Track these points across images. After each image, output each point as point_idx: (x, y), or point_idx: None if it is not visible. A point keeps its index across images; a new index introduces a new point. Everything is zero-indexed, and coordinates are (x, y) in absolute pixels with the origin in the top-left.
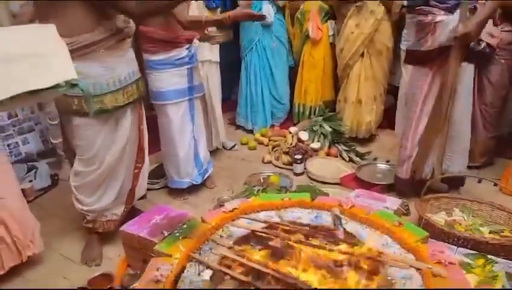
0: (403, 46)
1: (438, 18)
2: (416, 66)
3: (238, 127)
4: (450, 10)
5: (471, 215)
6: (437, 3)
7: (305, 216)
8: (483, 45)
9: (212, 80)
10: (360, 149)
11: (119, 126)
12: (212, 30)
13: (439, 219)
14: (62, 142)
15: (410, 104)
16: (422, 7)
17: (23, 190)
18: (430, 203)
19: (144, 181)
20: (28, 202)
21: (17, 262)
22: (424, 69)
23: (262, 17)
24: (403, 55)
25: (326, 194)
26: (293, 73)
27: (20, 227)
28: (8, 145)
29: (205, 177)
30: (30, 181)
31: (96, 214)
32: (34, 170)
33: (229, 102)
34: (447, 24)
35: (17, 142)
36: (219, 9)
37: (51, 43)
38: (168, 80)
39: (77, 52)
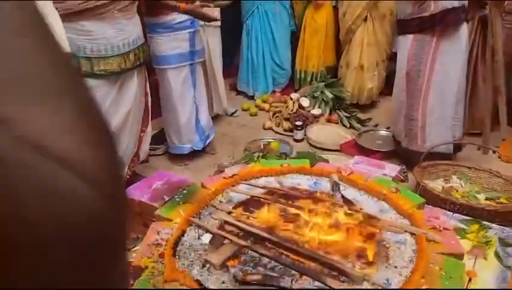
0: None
1: None
2: (417, 35)
3: (239, 92)
4: None
5: (468, 182)
6: None
7: (304, 182)
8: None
9: (213, 44)
10: (361, 116)
11: (126, 89)
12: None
13: (437, 185)
14: None
15: (415, 76)
16: None
17: None
18: (428, 170)
19: (146, 145)
20: None
21: None
22: (427, 36)
23: (214, 20)
24: None
25: (326, 161)
26: (295, 38)
27: None
28: None
29: (207, 143)
30: None
31: None
32: None
33: (231, 68)
34: None
35: None
36: None
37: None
38: (169, 43)
39: (91, 12)
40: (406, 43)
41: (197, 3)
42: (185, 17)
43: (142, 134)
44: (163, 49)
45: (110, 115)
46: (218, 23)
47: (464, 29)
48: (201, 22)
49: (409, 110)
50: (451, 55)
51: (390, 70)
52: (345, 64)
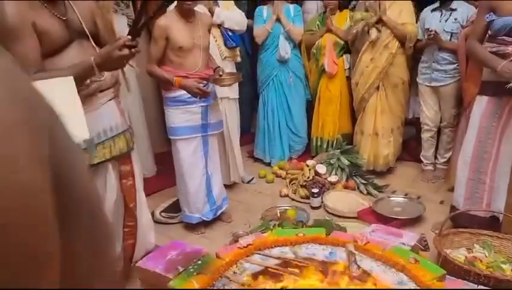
0: (419, 79)
1: None
2: (492, 98)
3: (256, 160)
4: None
5: (492, 251)
6: None
7: (319, 252)
8: None
9: (230, 116)
10: (378, 182)
11: (108, 181)
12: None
13: (459, 255)
14: None
15: (485, 138)
16: (504, 37)
17: None
18: (450, 239)
19: (146, 237)
20: None
21: None
22: (502, 101)
23: (206, 95)
24: (421, 88)
25: (344, 229)
26: (310, 106)
27: None
28: None
29: (217, 214)
30: None
31: None
32: None
33: (248, 135)
34: None
35: None
36: (238, 49)
37: (69, 101)
38: (180, 116)
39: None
40: (481, 104)
41: (191, 79)
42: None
43: (126, 229)
44: (174, 120)
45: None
46: (236, 95)
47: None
48: (220, 94)
49: (477, 172)
50: None
51: (408, 136)
52: (359, 132)
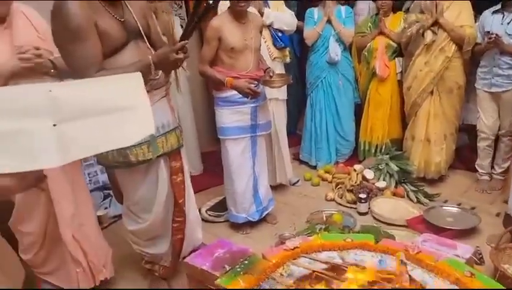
0: (478, 85)
1: None
2: None
3: (302, 162)
4: None
5: None
6: None
7: (368, 259)
8: None
9: (278, 117)
10: (429, 190)
11: (160, 177)
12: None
13: None
14: (110, 183)
15: None
16: None
17: (98, 217)
18: (508, 253)
19: (194, 233)
20: (103, 228)
21: (91, 286)
22: None
23: (257, 95)
24: (480, 94)
25: (392, 236)
26: (359, 110)
27: (95, 252)
28: (89, 174)
29: (263, 214)
30: (105, 208)
31: (153, 257)
32: (110, 198)
33: (293, 137)
34: None
35: (96, 171)
36: (288, 50)
37: (136, 95)
38: (230, 116)
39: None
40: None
41: (243, 80)
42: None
43: (174, 225)
44: (223, 121)
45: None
46: (285, 96)
47: None
48: (269, 96)
49: None
50: None
51: (461, 143)
52: (410, 137)
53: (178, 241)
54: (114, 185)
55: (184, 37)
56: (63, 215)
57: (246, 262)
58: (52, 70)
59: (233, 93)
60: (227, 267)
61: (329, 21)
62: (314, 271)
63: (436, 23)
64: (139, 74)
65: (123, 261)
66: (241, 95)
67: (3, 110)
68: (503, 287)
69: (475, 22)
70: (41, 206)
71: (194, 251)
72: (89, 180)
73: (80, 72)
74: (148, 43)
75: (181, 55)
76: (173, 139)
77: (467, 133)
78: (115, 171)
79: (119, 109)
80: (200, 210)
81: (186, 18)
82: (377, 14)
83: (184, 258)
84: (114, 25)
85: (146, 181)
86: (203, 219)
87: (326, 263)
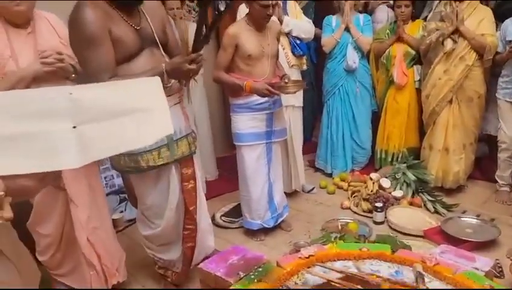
0: (499, 94)
1: None
2: None
3: (317, 169)
4: None
5: None
6: None
7: (384, 270)
8: None
9: (294, 124)
10: (447, 200)
11: (171, 183)
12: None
13: None
14: (125, 187)
15: None
16: None
17: (114, 220)
18: None
19: (206, 241)
20: (117, 231)
21: (103, 288)
22: None
23: (275, 94)
24: (501, 104)
25: (409, 247)
26: (375, 118)
27: (109, 256)
28: (105, 178)
29: (278, 221)
30: (121, 212)
31: (166, 263)
32: (125, 202)
33: (309, 144)
34: None
35: (112, 175)
36: (305, 57)
37: (154, 97)
38: (246, 122)
39: None
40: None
41: (261, 82)
42: (265, 98)
43: (185, 232)
44: (239, 127)
45: (160, 209)
46: (301, 103)
47: None
48: (285, 102)
49: None
50: None
51: (480, 153)
52: (428, 146)
53: (189, 248)
54: (129, 190)
55: (196, 47)
56: (78, 217)
57: (260, 269)
58: (74, 75)
59: (249, 99)
60: (241, 274)
61: (347, 28)
62: (329, 280)
63: (456, 31)
64: (158, 78)
65: (137, 265)
66: (258, 102)
67: (25, 112)
68: None
69: (496, 30)
70: (59, 207)
71: (206, 258)
72: (105, 183)
73: (93, 78)
74: (162, 51)
75: (194, 66)
76: (184, 146)
77: (487, 143)
78: (129, 176)
79: (138, 111)
80: (214, 216)
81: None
82: (395, 22)
83: (196, 265)
84: (129, 33)
85: (157, 187)
86: (217, 225)
87: (341, 272)
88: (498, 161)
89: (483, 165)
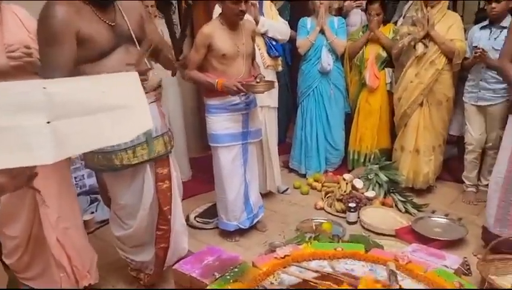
0: (465, 98)
1: None
2: None
3: (291, 170)
4: None
5: None
6: None
7: (358, 269)
8: None
9: (269, 125)
10: (417, 201)
11: (145, 183)
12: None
13: (505, 282)
14: (98, 186)
15: None
16: None
17: (85, 222)
18: (495, 265)
19: (179, 243)
20: (89, 233)
21: None
22: None
23: (243, 92)
24: (467, 107)
25: (381, 247)
26: (348, 119)
27: (80, 257)
28: (75, 178)
29: (254, 222)
30: (92, 213)
31: (139, 265)
32: (97, 203)
33: (283, 145)
34: None
35: (83, 175)
36: (280, 58)
37: (133, 93)
38: (221, 123)
39: None
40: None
41: (232, 80)
42: (241, 99)
43: (158, 232)
44: (215, 128)
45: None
46: (276, 104)
47: None
48: (260, 103)
49: (508, 194)
50: None
51: (448, 155)
52: (399, 148)
53: (162, 249)
54: (102, 189)
55: (177, 46)
56: (48, 218)
57: (236, 270)
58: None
59: (224, 100)
60: (217, 275)
61: (322, 31)
62: (304, 280)
63: (427, 35)
64: (135, 73)
65: (109, 267)
66: (233, 102)
67: None
68: None
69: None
70: (27, 207)
71: (179, 260)
72: (76, 183)
73: (46, 75)
74: (139, 48)
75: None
76: (160, 146)
77: (457, 145)
78: (103, 175)
79: (116, 107)
80: (188, 217)
81: (179, 23)
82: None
83: (169, 267)
84: (102, 30)
85: (132, 186)
86: (191, 226)
87: (316, 271)
88: (465, 162)
89: (451, 166)
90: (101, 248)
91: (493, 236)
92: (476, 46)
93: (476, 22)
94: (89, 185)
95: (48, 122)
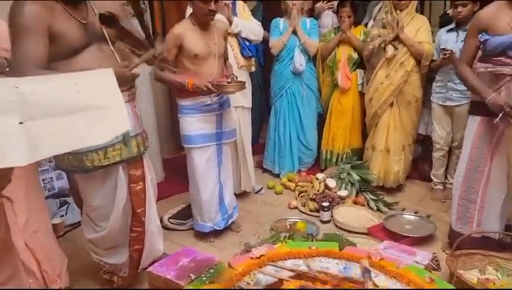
0: (433, 98)
1: None
2: (484, 118)
3: (265, 170)
4: None
5: (505, 274)
6: None
7: (333, 267)
8: None
9: (244, 125)
10: (388, 199)
11: (118, 184)
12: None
13: (471, 276)
14: (70, 188)
15: (477, 157)
16: (501, 58)
17: (54, 225)
18: (462, 260)
19: (154, 244)
20: (58, 237)
21: None
22: (493, 120)
23: (213, 92)
24: (434, 107)
25: (354, 244)
26: (320, 120)
27: (50, 262)
28: (43, 180)
29: (229, 223)
30: (61, 216)
31: (112, 267)
32: (66, 205)
33: (256, 145)
34: None
35: (51, 177)
36: (254, 59)
37: (109, 93)
38: (194, 124)
39: None
40: (474, 125)
41: (203, 80)
42: (214, 99)
43: (133, 234)
44: (188, 129)
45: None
46: (250, 104)
47: None
48: (235, 103)
49: (468, 192)
50: None
51: (417, 155)
52: (370, 147)
53: (136, 251)
54: (74, 190)
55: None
56: (15, 221)
57: (212, 271)
58: (8, 69)
59: (197, 100)
60: (193, 276)
61: (294, 32)
62: (280, 279)
63: (397, 38)
64: (111, 70)
65: (81, 271)
66: (206, 103)
67: None
68: None
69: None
70: None
71: (154, 262)
72: (44, 186)
73: (18, 71)
74: (112, 47)
75: (137, 71)
76: (133, 147)
77: (421, 144)
78: (75, 176)
79: (93, 107)
80: (162, 218)
81: (150, 22)
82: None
83: (144, 269)
84: (73, 27)
85: (104, 188)
86: (165, 227)
87: (292, 270)
88: (433, 159)
89: (418, 165)
90: (72, 252)
91: (455, 233)
92: (443, 49)
93: (441, 25)
94: (58, 187)
95: (21, 123)
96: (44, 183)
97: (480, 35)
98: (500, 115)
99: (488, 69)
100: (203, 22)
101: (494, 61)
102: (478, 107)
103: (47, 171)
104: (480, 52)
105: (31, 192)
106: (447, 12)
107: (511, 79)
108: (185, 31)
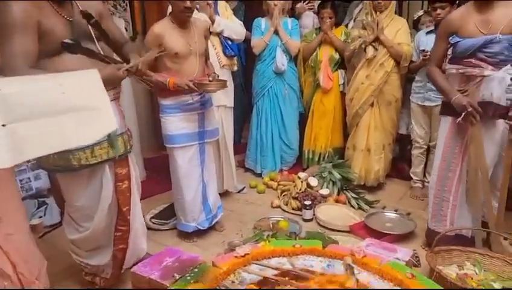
0: (413, 98)
1: (486, 72)
2: (456, 118)
3: (247, 169)
4: (498, 66)
5: (483, 269)
6: (485, 58)
7: (317, 264)
8: None
9: (226, 124)
10: (369, 197)
11: (104, 183)
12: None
13: (450, 271)
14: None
15: (449, 157)
16: (471, 60)
17: (32, 226)
18: (441, 256)
19: (138, 243)
20: (39, 237)
21: None
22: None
23: (194, 90)
24: (413, 107)
25: (336, 242)
26: (303, 119)
27: (26, 264)
28: (21, 181)
29: (213, 222)
30: (40, 217)
31: (94, 269)
32: (45, 206)
33: (238, 144)
34: (493, 79)
35: (29, 178)
36: (236, 58)
37: (95, 93)
38: (176, 123)
39: None
40: (446, 125)
41: (184, 79)
42: (195, 98)
43: (117, 233)
44: (170, 128)
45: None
46: (232, 103)
47: (501, 124)
48: (217, 102)
49: (441, 191)
50: (485, 144)
51: (395, 154)
52: (351, 147)
53: (120, 251)
54: (56, 191)
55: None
56: None
57: (196, 270)
58: None
59: (179, 99)
60: (177, 276)
61: (276, 32)
62: (265, 277)
63: (377, 39)
64: (96, 71)
65: (62, 273)
66: (188, 102)
67: None
68: (441, 287)
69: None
70: None
71: (138, 262)
72: (21, 187)
73: (8, 68)
74: (98, 46)
75: (125, 74)
76: (119, 145)
77: (399, 143)
78: (56, 176)
79: (78, 108)
80: (144, 218)
81: (130, 21)
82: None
83: (128, 269)
84: (60, 24)
85: (89, 187)
86: (147, 227)
87: (276, 269)
88: (412, 157)
89: (397, 164)
90: (53, 253)
91: (431, 231)
92: (423, 50)
93: (415, 26)
94: (35, 188)
95: (3, 125)
96: (21, 184)
97: (450, 38)
98: (463, 114)
99: (460, 71)
100: (181, 20)
101: (465, 63)
102: (448, 107)
103: (24, 172)
104: (451, 53)
105: (5, 193)
106: (420, 17)
107: (481, 80)
108: (164, 29)
